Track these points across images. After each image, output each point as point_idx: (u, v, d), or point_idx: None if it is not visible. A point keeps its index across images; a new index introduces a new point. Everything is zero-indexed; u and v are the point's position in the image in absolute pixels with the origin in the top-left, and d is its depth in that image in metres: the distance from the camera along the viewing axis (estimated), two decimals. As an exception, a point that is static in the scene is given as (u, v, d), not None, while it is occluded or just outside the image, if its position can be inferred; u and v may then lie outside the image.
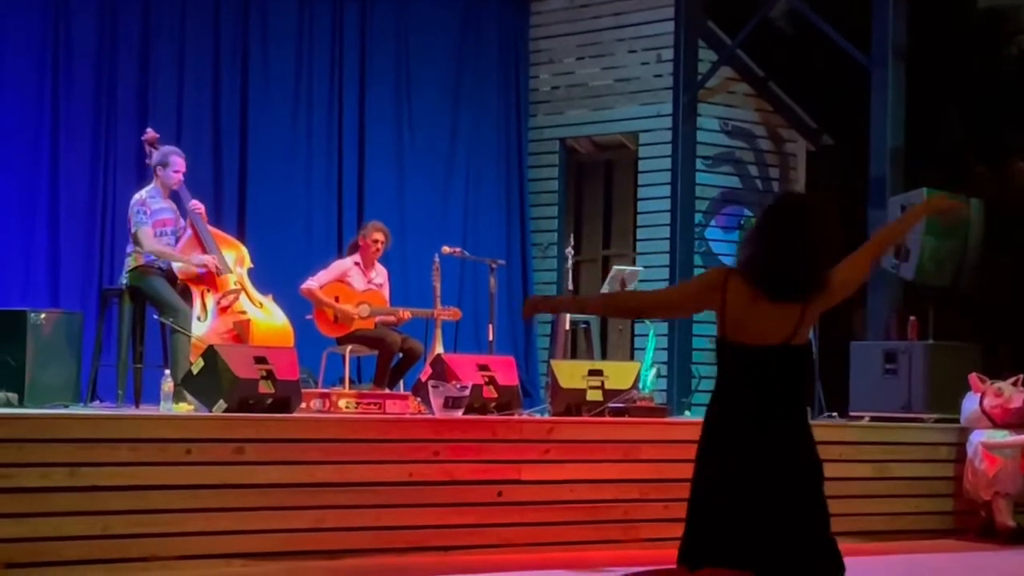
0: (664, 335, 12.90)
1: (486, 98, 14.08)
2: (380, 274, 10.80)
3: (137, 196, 9.78)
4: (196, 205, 9.91)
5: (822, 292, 4.93)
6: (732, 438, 4.96)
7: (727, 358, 4.97)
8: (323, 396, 9.53)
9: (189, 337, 9.37)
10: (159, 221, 9.70)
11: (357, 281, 10.63)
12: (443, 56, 13.83)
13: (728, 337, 4.93)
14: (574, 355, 12.35)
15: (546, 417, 9.94)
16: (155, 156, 9.89)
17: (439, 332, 10.79)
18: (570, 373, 10.03)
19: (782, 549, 4.91)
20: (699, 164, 13.50)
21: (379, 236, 10.69)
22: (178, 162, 9.81)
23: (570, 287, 11.95)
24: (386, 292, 10.78)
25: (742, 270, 4.94)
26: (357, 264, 10.68)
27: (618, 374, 10.20)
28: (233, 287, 9.77)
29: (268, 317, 9.84)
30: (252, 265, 10.05)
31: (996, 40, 16.06)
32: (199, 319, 9.61)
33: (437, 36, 13.79)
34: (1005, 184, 14.22)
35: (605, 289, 12.43)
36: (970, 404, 10.42)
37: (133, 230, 9.65)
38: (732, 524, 4.91)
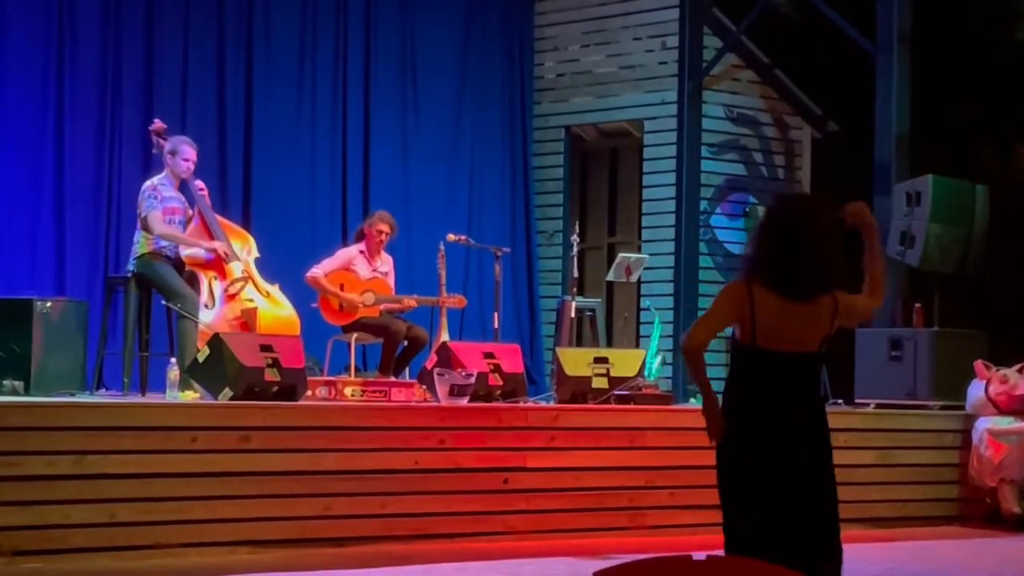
0: (669, 323, 12.90)
1: (491, 85, 14.07)
2: (385, 262, 10.80)
3: (148, 183, 9.79)
4: (200, 186, 9.91)
5: (841, 290, 5.01)
6: (772, 443, 5.01)
7: (760, 365, 4.99)
8: (329, 384, 9.54)
9: (196, 323, 9.38)
10: (168, 209, 9.70)
11: (362, 269, 10.63)
12: (448, 43, 13.81)
13: (760, 345, 4.95)
14: (579, 343, 12.35)
15: (551, 404, 9.95)
16: (166, 145, 9.89)
17: (444, 320, 10.80)
18: (575, 361, 10.03)
19: (805, 542, 5.05)
20: (704, 151, 13.48)
21: (384, 227, 10.68)
22: (188, 151, 9.81)
23: (575, 274, 11.94)
24: (391, 280, 10.78)
25: (761, 278, 4.96)
26: (362, 252, 10.68)
27: (623, 362, 10.20)
28: (240, 275, 9.77)
29: (275, 306, 9.84)
30: (259, 255, 10.05)
31: (1002, 26, 16.02)
32: (206, 307, 9.62)
33: (442, 24, 13.77)
34: (1010, 170, 14.19)
35: (610, 276, 12.44)
36: (975, 391, 10.43)
37: (143, 214, 9.65)
38: (773, 519, 5.01)
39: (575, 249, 11.99)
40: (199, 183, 9.94)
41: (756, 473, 5.02)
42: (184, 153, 9.78)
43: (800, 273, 4.93)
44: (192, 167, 9.83)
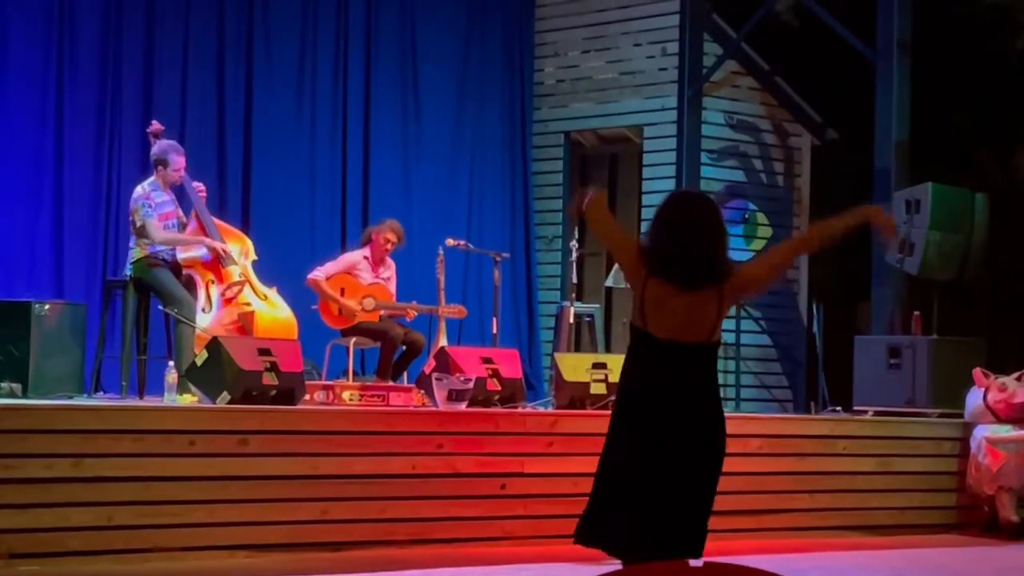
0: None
1: (491, 90, 14.07)
2: (388, 268, 10.80)
3: (139, 189, 9.77)
4: (198, 186, 9.91)
5: (732, 281, 5.22)
6: (652, 428, 5.22)
7: (649, 349, 5.23)
8: (327, 388, 9.54)
9: (193, 328, 9.37)
10: (163, 214, 9.71)
11: (365, 274, 10.63)
12: (448, 48, 13.82)
13: (651, 332, 5.19)
14: (578, 348, 12.34)
15: (550, 410, 9.94)
16: (154, 151, 9.87)
17: (443, 325, 10.80)
18: (574, 366, 10.02)
19: (670, 529, 5.24)
20: (704, 158, 13.49)
21: (392, 236, 10.67)
22: (178, 160, 9.80)
23: (574, 280, 11.94)
24: (392, 286, 10.78)
25: (655, 268, 5.20)
26: (366, 258, 10.68)
27: (622, 367, 10.18)
28: (237, 279, 9.77)
29: (272, 309, 9.84)
30: (256, 257, 10.05)
31: (1001, 33, 16.04)
32: (204, 310, 9.62)
33: (442, 28, 13.77)
34: (1010, 178, 14.20)
35: (609, 282, 12.44)
36: (974, 399, 10.42)
37: (139, 223, 9.64)
38: (642, 505, 5.21)
39: (574, 255, 11.99)
40: (198, 184, 9.95)
41: (633, 457, 5.24)
42: (174, 164, 9.77)
43: (690, 262, 5.17)
44: (183, 174, 9.83)
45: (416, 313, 10.71)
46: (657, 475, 5.22)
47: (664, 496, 5.22)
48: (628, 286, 5.39)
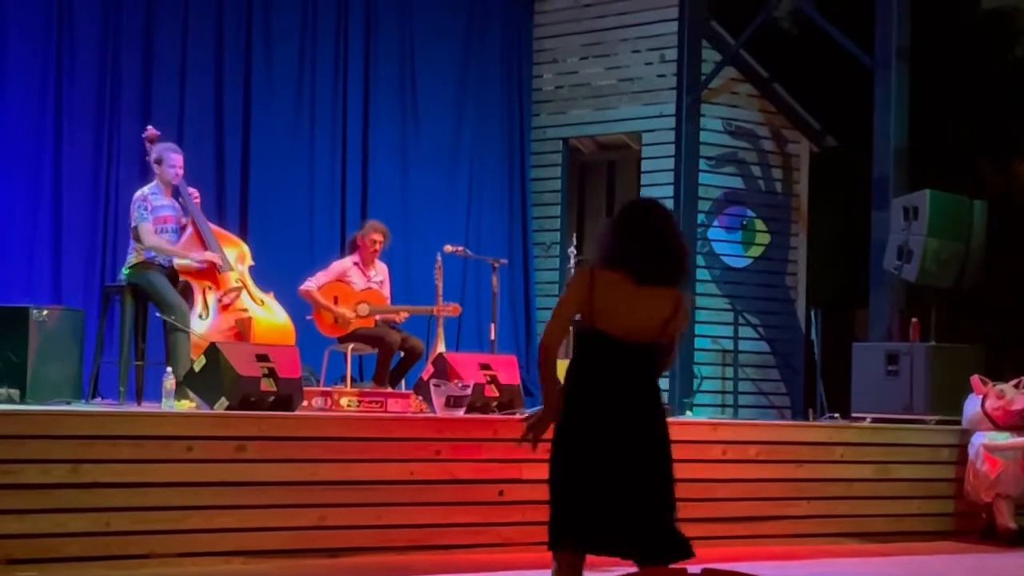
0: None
1: (490, 97, 14.08)
2: (380, 272, 10.80)
3: (139, 193, 9.78)
4: (192, 193, 9.91)
5: (682, 296, 5.47)
6: (609, 425, 5.44)
7: (596, 346, 5.43)
8: (325, 394, 9.54)
9: (188, 334, 9.37)
10: (160, 218, 9.70)
11: (357, 280, 10.63)
12: (447, 55, 13.82)
13: (597, 326, 5.40)
14: (576, 354, 12.32)
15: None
16: (152, 153, 9.88)
17: (441, 331, 10.79)
18: (572, 373, 10.00)
19: (638, 531, 5.45)
20: (702, 164, 13.49)
21: (378, 236, 10.68)
22: (174, 158, 9.80)
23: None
24: (386, 290, 10.78)
25: (613, 264, 5.39)
26: (357, 264, 10.68)
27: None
28: (234, 285, 9.77)
29: (270, 315, 9.84)
30: (253, 263, 10.04)
31: (1000, 41, 16.05)
32: (201, 317, 9.61)
33: (441, 35, 13.78)
34: (1009, 185, 14.22)
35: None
36: (972, 406, 10.42)
37: (133, 225, 9.65)
38: (603, 506, 5.43)
39: (572, 261, 11.99)
40: (192, 190, 9.94)
41: (585, 458, 5.46)
42: (170, 160, 9.77)
43: (658, 258, 5.39)
44: (180, 172, 9.82)
45: (406, 315, 10.70)
46: (618, 470, 5.42)
47: (627, 491, 5.43)
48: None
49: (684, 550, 5.47)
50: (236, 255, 9.93)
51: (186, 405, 8.83)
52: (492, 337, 11.05)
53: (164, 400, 8.82)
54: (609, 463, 5.42)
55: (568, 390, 5.56)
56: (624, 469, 5.41)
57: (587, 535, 5.47)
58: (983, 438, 10.27)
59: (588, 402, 5.48)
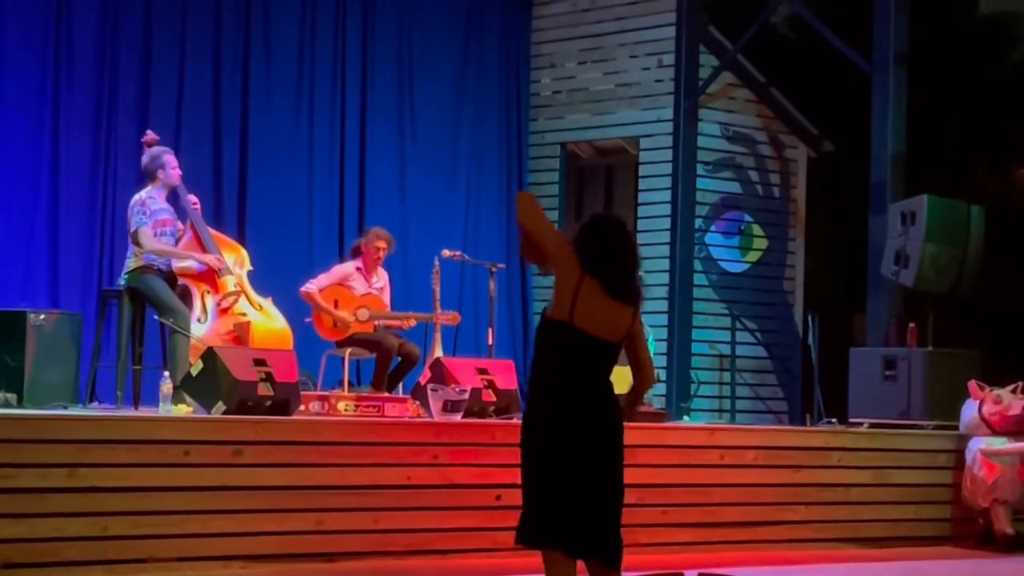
0: (663, 340, 12.89)
1: (488, 102, 14.08)
2: (381, 278, 10.79)
3: (137, 196, 9.77)
4: (192, 200, 9.91)
5: (638, 313, 5.76)
6: (578, 419, 5.67)
7: (569, 341, 5.62)
8: (322, 399, 9.53)
9: (188, 338, 9.37)
10: (159, 222, 9.69)
11: (358, 286, 10.62)
12: (445, 60, 13.83)
13: (576, 324, 5.61)
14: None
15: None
16: (145, 159, 9.87)
17: (438, 336, 10.78)
18: (569, 377, 9.99)
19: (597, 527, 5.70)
20: (700, 169, 13.49)
21: (382, 244, 10.68)
22: (172, 160, 9.82)
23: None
24: (387, 296, 10.78)
25: (592, 274, 5.62)
26: (359, 269, 10.68)
27: (616, 379, 10.15)
28: (233, 289, 9.76)
29: (267, 320, 9.84)
30: (252, 267, 10.04)
31: (997, 46, 16.07)
32: (199, 321, 9.61)
33: (439, 39, 13.79)
34: (1006, 191, 14.23)
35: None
36: (969, 411, 10.43)
37: (132, 229, 9.64)
38: (576, 502, 5.63)
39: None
40: (192, 197, 9.93)
41: (552, 452, 5.63)
42: (169, 163, 9.78)
43: (624, 277, 5.68)
44: (179, 172, 9.83)
45: (415, 322, 10.71)
46: (586, 464, 5.64)
47: (594, 486, 5.66)
48: (553, 275, 5.76)
49: (619, 555, 5.77)
50: (235, 260, 9.93)
51: (183, 409, 8.82)
52: (490, 342, 11.05)
53: (161, 404, 8.82)
54: (577, 463, 5.63)
55: (536, 386, 5.74)
56: (590, 469, 5.65)
57: (559, 534, 5.66)
58: (980, 443, 10.28)
59: (560, 403, 5.67)
